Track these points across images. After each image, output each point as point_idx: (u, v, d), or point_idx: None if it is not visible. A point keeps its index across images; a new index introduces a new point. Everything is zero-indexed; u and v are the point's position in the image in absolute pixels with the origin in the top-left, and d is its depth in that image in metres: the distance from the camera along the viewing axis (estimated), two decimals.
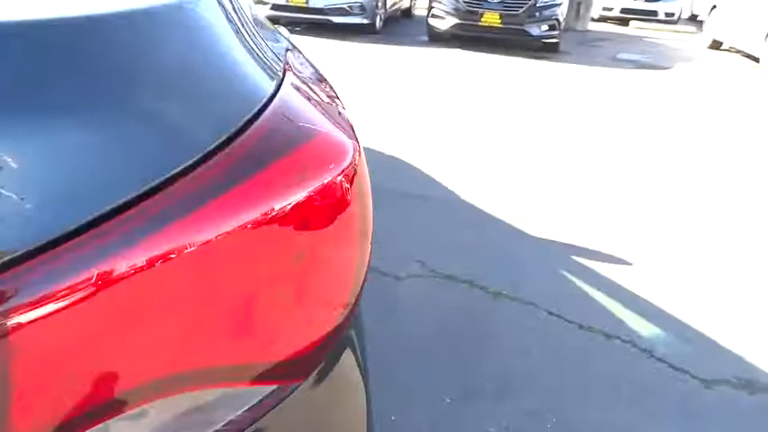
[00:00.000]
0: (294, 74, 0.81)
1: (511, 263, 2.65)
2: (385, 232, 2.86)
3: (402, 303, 2.28)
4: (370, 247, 0.75)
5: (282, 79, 0.73)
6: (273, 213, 0.55)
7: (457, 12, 8.28)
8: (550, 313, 2.27)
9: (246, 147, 0.58)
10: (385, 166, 3.75)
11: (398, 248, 2.67)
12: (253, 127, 0.60)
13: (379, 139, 4.15)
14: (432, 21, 8.64)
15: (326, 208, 0.61)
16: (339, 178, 0.61)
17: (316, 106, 0.75)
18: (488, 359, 2.00)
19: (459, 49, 8.25)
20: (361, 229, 0.70)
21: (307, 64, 1.13)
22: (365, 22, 8.65)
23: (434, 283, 2.43)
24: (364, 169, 0.73)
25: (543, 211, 3.22)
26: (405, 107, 5.16)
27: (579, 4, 11.25)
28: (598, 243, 2.88)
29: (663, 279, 2.61)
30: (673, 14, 13.48)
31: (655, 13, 13.38)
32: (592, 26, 12.15)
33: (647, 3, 13.39)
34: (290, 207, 0.56)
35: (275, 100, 0.66)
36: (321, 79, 1.06)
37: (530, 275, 2.55)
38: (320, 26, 8.59)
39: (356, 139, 0.72)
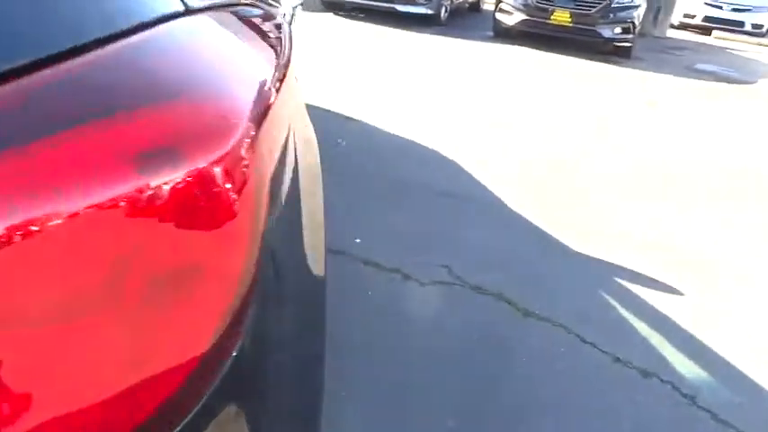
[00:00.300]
0: (216, 18, 0.61)
1: (545, 277, 2.43)
2: (417, 232, 2.71)
3: (418, 313, 2.10)
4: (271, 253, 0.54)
5: (179, 13, 0.53)
6: (63, 209, 0.35)
7: (526, 7, 7.95)
8: (583, 340, 2.05)
9: (28, 95, 0.37)
10: (431, 161, 3.56)
11: (426, 251, 2.49)
12: (60, 67, 0.39)
13: (430, 136, 3.96)
14: (499, 15, 8.34)
15: (180, 207, 0.40)
16: (209, 168, 0.41)
17: (217, 61, 0.54)
18: (503, 388, 1.80)
19: (523, 47, 7.93)
20: (250, 234, 0.48)
21: (277, 29, 0.91)
22: (430, 12, 8.43)
23: (459, 293, 2.24)
24: (269, 155, 0.53)
25: (597, 225, 2.97)
26: (459, 102, 4.94)
27: (659, 8, 10.66)
28: (645, 265, 2.62)
29: (720, 313, 2.33)
30: (761, 26, 12.62)
31: (741, 23, 12.56)
32: (670, 33, 11.51)
33: (733, 12, 12.58)
34: (105, 203, 0.36)
35: (137, 35, 0.45)
36: (278, 43, 0.82)
37: (565, 293, 2.33)
38: (383, 14, 8.43)
39: (259, 118, 0.51)
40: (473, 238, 2.67)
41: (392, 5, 8.27)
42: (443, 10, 8.77)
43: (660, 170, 3.96)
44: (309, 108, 4.13)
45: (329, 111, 4.22)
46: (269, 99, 0.59)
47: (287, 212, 0.61)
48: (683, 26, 12.87)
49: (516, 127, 4.48)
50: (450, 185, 3.22)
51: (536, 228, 2.86)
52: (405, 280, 2.26)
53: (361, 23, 8.23)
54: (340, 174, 3.19)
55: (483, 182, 3.31)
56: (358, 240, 2.48)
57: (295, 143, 0.77)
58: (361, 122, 4.07)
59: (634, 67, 7.70)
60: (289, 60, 0.89)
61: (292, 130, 0.75)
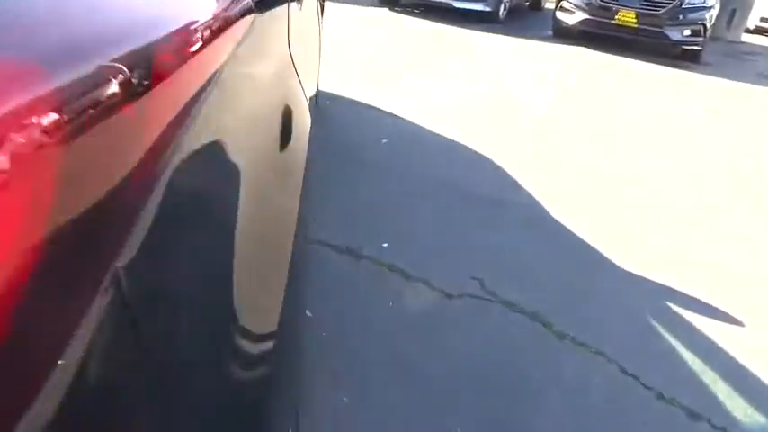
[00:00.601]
0: None
1: (587, 297, 2.23)
2: (452, 239, 2.54)
3: (443, 327, 1.95)
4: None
5: None
6: None
7: (589, 6, 7.61)
8: (624, 371, 1.85)
9: None
10: (477, 164, 3.39)
11: (460, 260, 2.33)
12: None
13: (479, 138, 3.79)
14: (559, 14, 8.02)
15: None
16: None
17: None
18: (529, 422, 1.63)
19: (584, 48, 7.60)
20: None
21: None
22: (487, 9, 8.19)
23: (490, 309, 2.07)
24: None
25: (652, 242, 2.74)
26: (511, 103, 4.73)
27: (734, 10, 10.05)
28: (703, 289, 2.37)
29: None
30: None
31: None
32: (745, 38, 10.85)
33: None
34: None
35: None
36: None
37: (607, 316, 2.12)
38: (440, 10, 8.24)
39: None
40: (514, 250, 2.49)
41: (448, 2, 8.08)
42: (502, 7, 8.52)
43: (720, 185, 3.65)
44: (354, 104, 4.01)
45: (374, 107, 4.10)
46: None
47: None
48: (758, 30, 12.12)
49: (569, 132, 4.24)
50: (495, 192, 3.04)
51: (582, 242, 2.65)
52: (431, 291, 2.11)
53: (417, 19, 8.07)
54: (379, 174, 3.06)
55: (531, 191, 3.11)
56: (386, 245, 2.35)
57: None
58: (406, 121, 3.93)
59: (701, 72, 7.25)
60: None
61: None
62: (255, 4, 0.94)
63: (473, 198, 2.93)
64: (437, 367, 1.75)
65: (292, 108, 1.23)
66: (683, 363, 1.95)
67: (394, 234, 2.45)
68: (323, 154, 3.27)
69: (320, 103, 3.94)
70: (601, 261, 2.50)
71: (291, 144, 1.13)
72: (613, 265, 2.48)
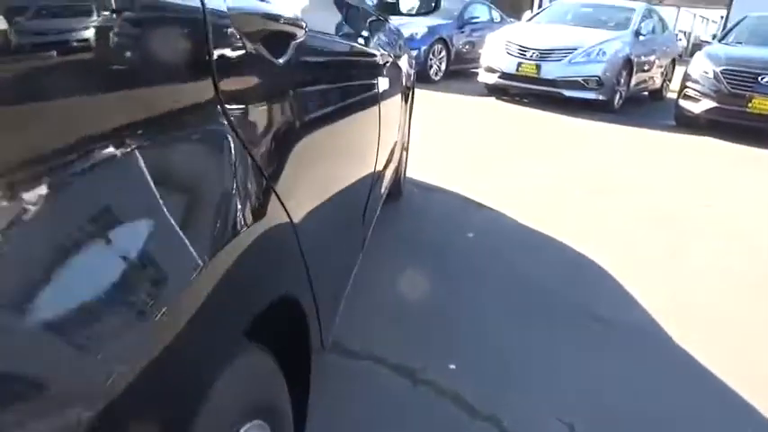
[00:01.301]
0: None
1: None
2: (538, 364, 2.03)
3: None
4: None
5: None
6: None
7: (717, 94, 6.93)
8: None
9: None
10: (578, 271, 2.93)
11: (544, 393, 1.87)
12: None
13: (581, 240, 3.33)
14: (683, 102, 7.39)
15: None
16: None
17: None
18: None
19: (712, 138, 6.86)
20: None
21: None
22: (601, 98, 7.75)
23: None
24: None
25: None
26: (624, 199, 4.21)
27: None
28: None
29: None
30: None
31: None
32: None
33: None
34: None
35: None
36: None
37: None
38: (550, 99, 7.92)
39: None
40: (621, 385, 1.98)
41: (558, 90, 7.74)
42: (617, 96, 8.04)
43: None
44: (443, 192, 3.71)
45: (465, 197, 3.77)
46: None
47: None
48: None
49: (700, 236, 3.64)
50: (598, 305, 2.54)
51: (711, 377, 2.07)
52: None
53: (524, 108, 7.81)
54: (460, 275, 2.69)
55: (647, 306, 2.58)
56: (453, 366, 1.93)
57: None
58: (499, 214, 3.55)
59: None
60: None
61: None
62: None
63: (570, 311, 2.46)
64: None
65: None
66: None
67: (466, 352, 2.04)
68: (399, 246, 2.97)
69: (406, 189, 3.69)
70: (742, 405, 1.91)
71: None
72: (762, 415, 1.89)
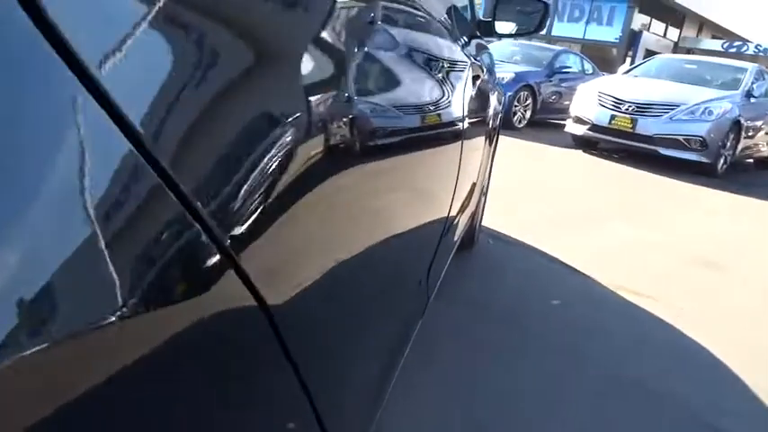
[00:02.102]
0: None
1: None
2: None
3: None
4: None
5: None
6: None
7: None
8: None
9: None
10: (683, 359, 2.36)
11: None
12: None
13: (688, 321, 2.75)
14: None
15: None
16: None
17: None
18: None
19: None
20: None
21: None
22: (704, 160, 7.01)
23: None
24: None
25: None
26: (734, 274, 3.56)
27: None
28: None
29: None
30: None
31: None
32: None
33: None
34: None
35: None
36: None
37: None
38: (643, 157, 7.26)
39: None
40: None
41: (654, 148, 7.07)
42: (722, 160, 7.28)
43: None
44: (523, 248, 3.16)
45: (547, 255, 3.26)
46: None
47: None
48: None
49: None
50: (720, 415, 1.97)
51: None
52: None
53: (614, 164, 7.18)
54: (542, 355, 2.18)
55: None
56: None
57: None
58: (588, 280, 3.01)
59: None
60: None
61: None
62: None
63: (682, 420, 1.90)
64: None
65: None
66: None
67: None
68: (466, 313, 2.47)
69: (481, 240, 3.22)
70: None
71: None
72: None
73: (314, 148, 0.55)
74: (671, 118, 7.02)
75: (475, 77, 1.71)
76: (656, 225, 4.46)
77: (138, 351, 0.33)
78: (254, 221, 0.42)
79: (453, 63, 1.48)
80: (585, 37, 24.69)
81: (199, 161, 0.37)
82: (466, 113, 1.58)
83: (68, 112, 0.29)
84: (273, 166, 0.45)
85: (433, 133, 1.26)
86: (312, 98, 0.56)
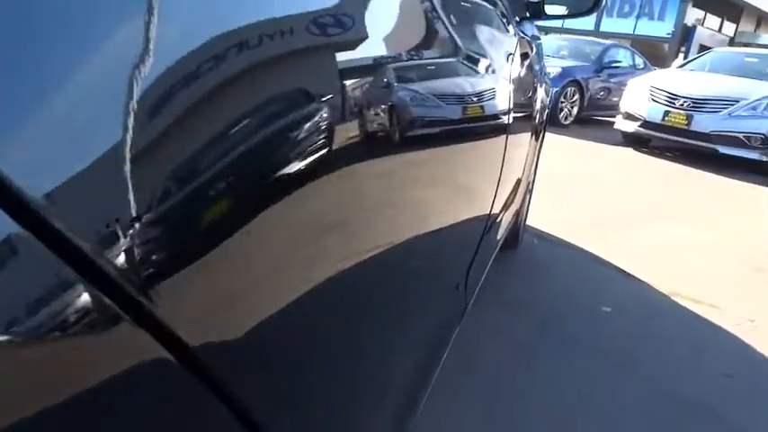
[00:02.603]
0: None
1: None
2: None
3: None
4: None
5: None
6: None
7: None
8: None
9: None
10: (739, 366, 2.14)
11: None
12: None
13: (744, 325, 2.52)
14: None
15: None
16: None
17: None
18: None
19: None
20: None
21: None
22: (764, 159, 6.60)
23: None
24: None
25: None
26: None
27: None
28: None
29: None
30: None
31: None
32: None
33: None
34: None
35: None
36: None
37: None
38: (697, 155, 6.89)
39: None
40: None
41: (711, 145, 6.68)
42: None
43: None
44: (570, 249, 2.96)
45: (593, 255, 3.06)
46: None
47: None
48: None
49: None
50: None
51: None
52: None
53: (667, 162, 6.84)
54: (591, 368, 2.01)
55: None
56: None
57: None
58: (642, 285, 2.81)
59: None
60: None
61: None
62: None
63: None
64: None
65: None
66: None
67: None
68: (507, 319, 2.29)
69: (525, 240, 3.05)
70: None
71: None
72: None
73: (347, 136, 0.50)
74: (730, 114, 6.63)
75: (524, 55, 1.56)
76: (714, 228, 4.17)
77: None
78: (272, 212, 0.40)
79: (502, 45, 1.34)
80: (636, 32, 23.91)
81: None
82: (512, 105, 1.44)
83: None
84: (303, 156, 0.43)
85: (475, 125, 1.13)
86: (347, 82, 0.51)
